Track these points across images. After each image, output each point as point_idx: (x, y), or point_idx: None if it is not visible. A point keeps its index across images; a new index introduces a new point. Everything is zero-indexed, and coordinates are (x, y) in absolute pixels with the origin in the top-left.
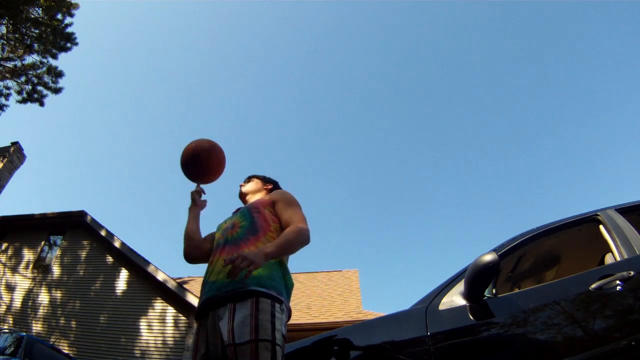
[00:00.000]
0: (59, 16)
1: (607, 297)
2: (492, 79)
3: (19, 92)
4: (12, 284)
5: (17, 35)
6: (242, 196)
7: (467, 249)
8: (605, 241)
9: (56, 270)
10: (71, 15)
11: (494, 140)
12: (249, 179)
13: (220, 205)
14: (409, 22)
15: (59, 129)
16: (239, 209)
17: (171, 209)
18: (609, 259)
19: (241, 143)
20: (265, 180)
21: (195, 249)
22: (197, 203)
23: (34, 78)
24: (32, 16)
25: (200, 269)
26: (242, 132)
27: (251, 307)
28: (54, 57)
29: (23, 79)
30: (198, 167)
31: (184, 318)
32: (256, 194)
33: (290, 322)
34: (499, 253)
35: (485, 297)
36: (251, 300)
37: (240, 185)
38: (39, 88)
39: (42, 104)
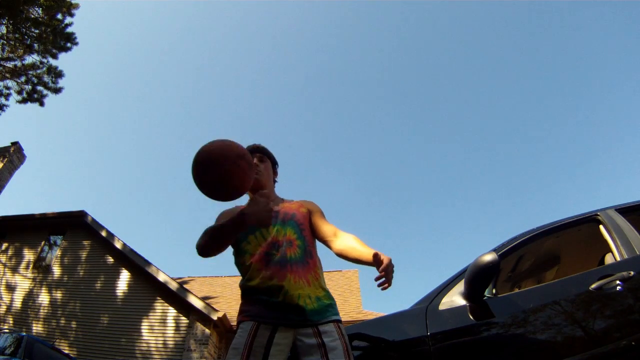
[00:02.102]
0: (59, 16)
1: (607, 297)
2: (494, 78)
3: (19, 92)
4: (12, 284)
5: (17, 35)
6: (257, 185)
7: (467, 249)
8: (605, 241)
9: (56, 271)
10: (71, 15)
11: (494, 139)
12: (261, 156)
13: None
14: (411, 20)
15: (59, 129)
16: (277, 213)
17: (171, 208)
18: (609, 259)
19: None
20: (273, 162)
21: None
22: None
23: (34, 78)
24: (32, 16)
25: (200, 269)
26: (241, 132)
27: (337, 331)
28: (54, 57)
29: (23, 79)
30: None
31: (184, 319)
32: (268, 183)
33: None
34: (499, 253)
35: (485, 297)
36: (334, 324)
37: (256, 165)
38: (39, 88)
39: (42, 104)
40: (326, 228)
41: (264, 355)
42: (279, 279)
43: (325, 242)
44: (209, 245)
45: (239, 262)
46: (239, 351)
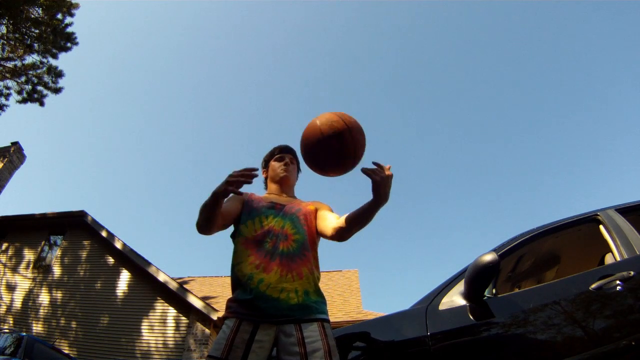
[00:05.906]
0: (59, 16)
1: (607, 297)
2: (496, 76)
3: (19, 92)
4: (13, 284)
5: (17, 35)
6: (285, 181)
7: (467, 248)
8: (605, 241)
9: (56, 271)
10: (71, 15)
11: (495, 138)
12: (292, 158)
13: None
14: (409, 24)
15: (59, 129)
16: (282, 207)
17: (171, 208)
18: (609, 259)
19: (240, 142)
20: (298, 167)
21: (212, 229)
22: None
23: (34, 78)
24: (32, 16)
25: (200, 269)
26: (240, 132)
27: (320, 331)
28: (54, 57)
29: (23, 79)
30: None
31: (184, 319)
32: (293, 183)
33: None
34: (499, 253)
35: (485, 297)
36: (318, 324)
37: (286, 165)
38: (39, 88)
39: (42, 104)
40: (331, 216)
41: (245, 352)
42: (265, 270)
43: (331, 228)
44: (205, 223)
45: (234, 242)
46: (220, 347)
